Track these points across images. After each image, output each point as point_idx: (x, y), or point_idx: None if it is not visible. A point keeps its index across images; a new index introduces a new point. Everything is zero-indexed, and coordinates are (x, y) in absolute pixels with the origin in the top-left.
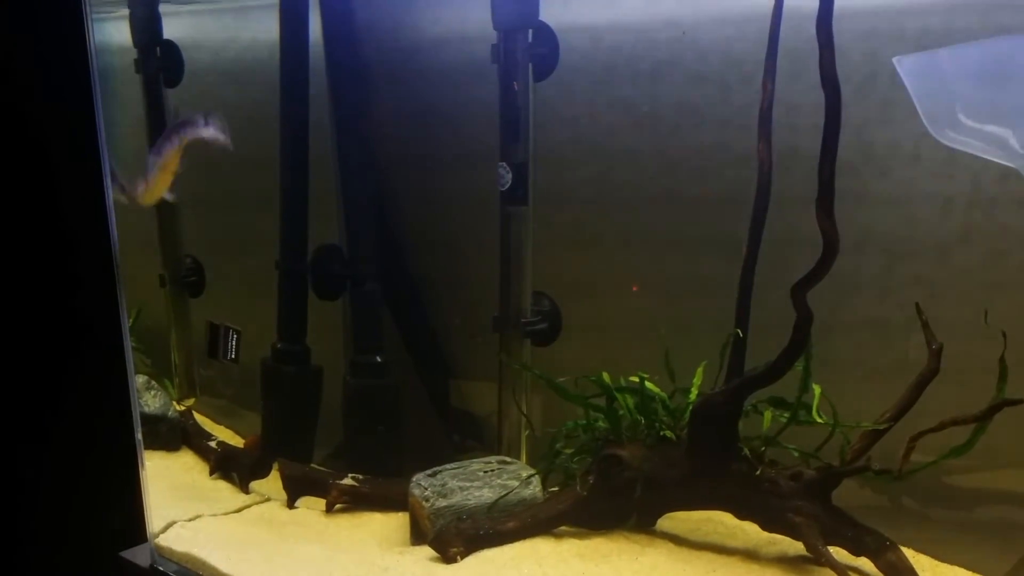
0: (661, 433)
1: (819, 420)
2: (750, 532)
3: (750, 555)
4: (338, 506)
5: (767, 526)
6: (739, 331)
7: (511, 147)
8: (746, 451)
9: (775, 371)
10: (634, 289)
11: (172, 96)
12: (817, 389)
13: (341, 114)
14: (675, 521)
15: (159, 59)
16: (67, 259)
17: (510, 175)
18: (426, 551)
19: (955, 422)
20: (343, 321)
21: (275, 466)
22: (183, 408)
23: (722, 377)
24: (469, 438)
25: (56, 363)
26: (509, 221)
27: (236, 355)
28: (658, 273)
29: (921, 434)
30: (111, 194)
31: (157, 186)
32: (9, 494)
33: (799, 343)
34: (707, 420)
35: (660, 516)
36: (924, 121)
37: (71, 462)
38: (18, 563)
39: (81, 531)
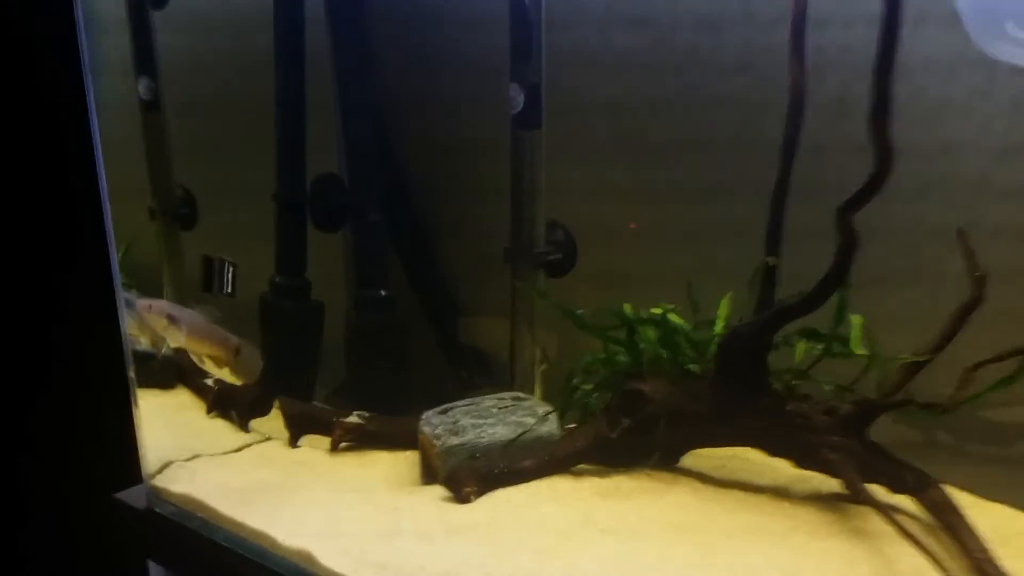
0: (686, 367)
1: (858, 352)
2: (779, 469)
3: (780, 493)
4: (343, 445)
5: (801, 462)
6: (770, 259)
7: (523, 67)
8: (777, 385)
9: (813, 300)
10: (631, 227)
11: (159, 19)
12: (858, 320)
13: (340, 35)
14: (699, 458)
15: None
16: (52, 192)
17: (522, 97)
18: (438, 491)
19: (1016, 352)
20: (345, 254)
21: (276, 404)
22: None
23: (741, 310)
24: (477, 375)
25: (43, 301)
26: (521, 146)
27: (233, 289)
28: (677, 202)
29: (980, 364)
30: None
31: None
32: None
33: (841, 270)
34: (736, 352)
35: (684, 453)
36: (970, 32)
37: (62, 402)
38: (11, 506)
39: (74, 473)
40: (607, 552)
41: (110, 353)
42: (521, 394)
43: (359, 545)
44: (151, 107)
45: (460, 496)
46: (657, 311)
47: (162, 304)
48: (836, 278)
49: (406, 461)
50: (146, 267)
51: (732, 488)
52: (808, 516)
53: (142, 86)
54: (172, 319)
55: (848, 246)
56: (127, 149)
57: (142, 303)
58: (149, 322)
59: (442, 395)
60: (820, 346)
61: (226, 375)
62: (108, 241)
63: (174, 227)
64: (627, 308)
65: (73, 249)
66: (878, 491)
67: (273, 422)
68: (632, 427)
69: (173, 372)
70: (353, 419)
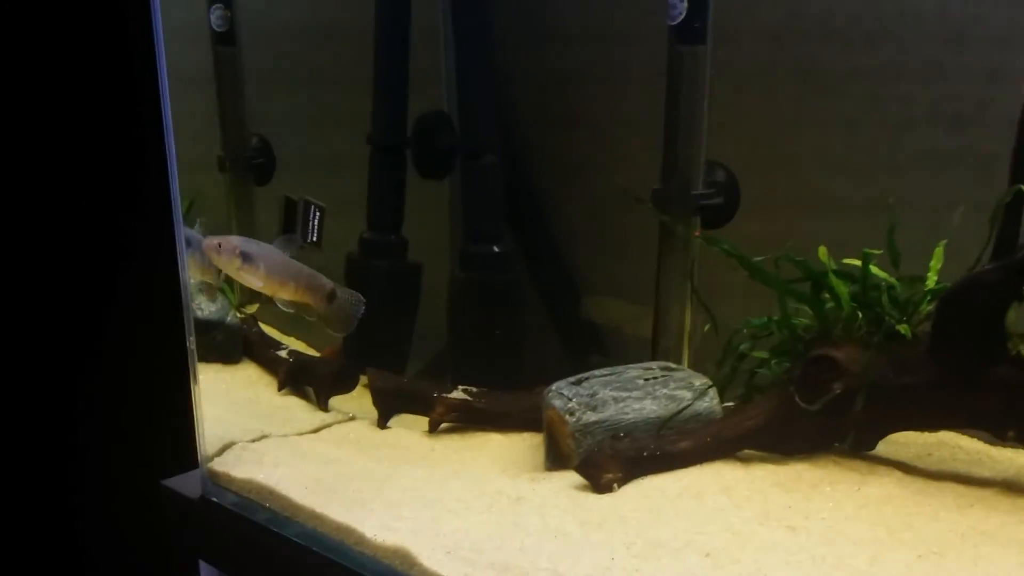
0: (895, 329)
1: None
2: (1000, 458)
3: (1012, 487)
4: (444, 425)
5: None
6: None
7: None
8: (1020, 350)
9: None
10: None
11: None
12: None
13: None
14: (894, 445)
15: None
16: (109, 138)
17: (685, 4)
18: (569, 477)
19: None
20: (451, 205)
21: (362, 379)
22: (244, 315)
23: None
24: (591, 351)
25: (96, 259)
26: (681, 64)
27: (319, 238)
28: (862, 134)
29: None
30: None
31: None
32: (39, 409)
33: None
34: (967, 308)
35: (883, 437)
36: None
37: (113, 375)
38: (49, 490)
39: (119, 455)
40: (801, 556)
41: (168, 321)
42: (671, 364)
43: (471, 542)
44: (224, 40)
45: (600, 484)
46: (852, 261)
47: (233, 240)
48: None
49: (524, 444)
50: (213, 222)
51: (947, 480)
52: None
53: (215, 16)
54: (247, 257)
55: None
56: (196, 88)
57: (209, 242)
58: (219, 264)
59: (565, 369)
60: None
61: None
62: (172, 193)
63: (247, 179)
64: (822, 252)
65: (132, 199)
66: None
67: (357, 401)
68: (808, 396)
69: (239, 343)
70: (458, 395)
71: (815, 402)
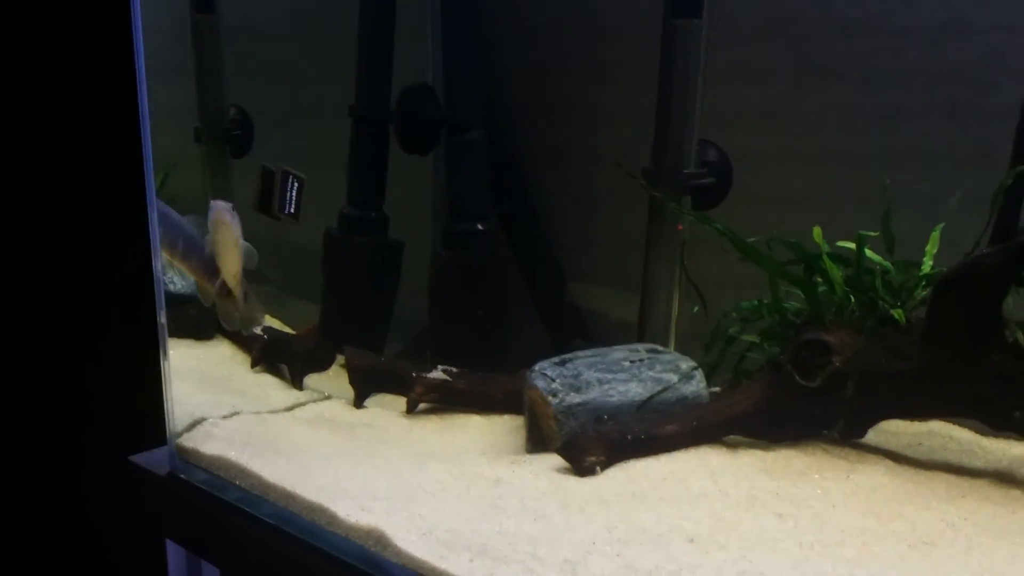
0: (889, 314)
1: None
2: (992, 448)
3: (1004, 478)
4: (422, 406)
5: None
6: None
7: None
8: (1017, 337)
9: None
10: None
11: None
12: None
13: None
14: (885, 434)
15: None
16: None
17: None
18: (551, 460)
19: None
20: (435, 181)
21: (340, 358)
22: None
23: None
24: (573, 334)
25: (65, 231)
26: (674, 40)
27: (297, 210)
28: (860, 116)
29: None
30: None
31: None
32: (3, 382)
33: None
34: (964, 294)
35: (873, 424)
36: None
37: (79, 349)
38: (12, 464)
39: (89, 431)
40: (788, 543)
41: (138, 295)
42: (658, 346)
43: (446, 523)
44: (204, 7)
45: (582, 467)
46: (847, 244)
47: None
48: None
49: (505, 426)
50: (187, 197)
51: (938, 470)
52: None
53: None
54: None
55: None
56: (172, 57)
57: (224, 204)
58: (221, 234)
59: (548, 352)
60: None
61: None
62: (145, 164)
63: (224, 152)
64: (817, 233)
65: (101, 171)
66: None
67: (334, 380)
68: (812, 389)
69: (212, 321)
70: (437, 375)
71: (815, 379)
